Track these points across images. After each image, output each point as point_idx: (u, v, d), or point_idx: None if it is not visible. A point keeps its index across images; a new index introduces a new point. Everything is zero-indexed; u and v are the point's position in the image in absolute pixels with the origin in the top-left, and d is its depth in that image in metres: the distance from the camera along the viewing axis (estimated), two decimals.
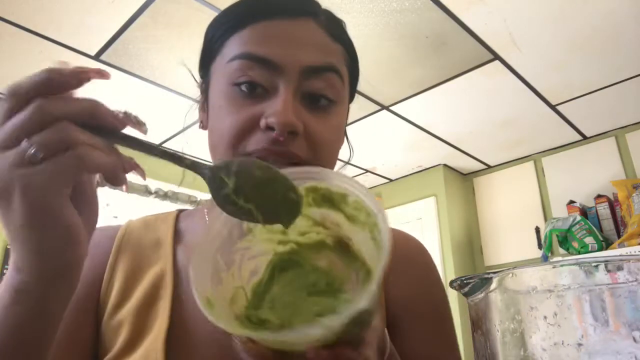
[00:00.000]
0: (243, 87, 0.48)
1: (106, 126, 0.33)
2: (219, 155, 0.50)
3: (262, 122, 0.47)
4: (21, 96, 0.30)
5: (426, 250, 0.66)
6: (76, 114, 0.31)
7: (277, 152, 0.47)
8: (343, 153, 0.65)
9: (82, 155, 0.29)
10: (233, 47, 0.50)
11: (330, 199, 0.37)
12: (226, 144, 0.48)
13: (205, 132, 0.55)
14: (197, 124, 0.59)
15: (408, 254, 0.63)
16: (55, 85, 0.31)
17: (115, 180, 0.32)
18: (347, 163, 0.69)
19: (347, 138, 0.64)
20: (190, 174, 0.66)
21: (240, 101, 0.48)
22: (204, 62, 0.56)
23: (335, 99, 0.52)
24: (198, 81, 0.59)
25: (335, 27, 0.54)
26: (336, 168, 0.60)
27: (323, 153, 0.51)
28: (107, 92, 2.44)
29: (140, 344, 0.47)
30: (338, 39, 0.54)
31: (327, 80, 0.50)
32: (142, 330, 0.48)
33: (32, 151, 0.28)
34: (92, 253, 0.52)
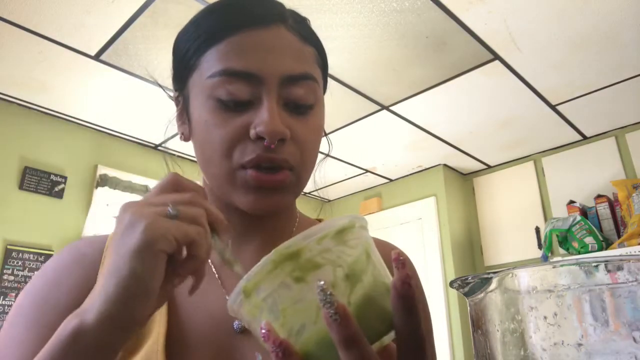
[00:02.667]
0: (226, 102, 0.50)
1: (223, 234, 0.41)
2: (214, 165, 0.52)
3: (252, 133, 0.49)
4: (181, 187, 0.40)
5: (411, 264, 0.65)
6: (211, 214, 0.39)
7: (271, 159, 0.49)
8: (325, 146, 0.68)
9: (197, 234, 0.36)
10: (212, 62, 0.51)
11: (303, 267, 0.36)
12: (220, 156, 0.50)
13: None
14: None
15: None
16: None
17: (189, 270, 0.38)
18: (328, 155, 0.71)
19: (324, 132, 0.65)
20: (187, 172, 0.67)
21: (225, 114, 0.50)
22: (180, 76, 0.56)
23: (314, 102, 0.54)
24: (172, 95, 0.60)
25: (303, 29, 0.56)
26: (318, 161, 0.62)
27: (309, 155, 0.54)
28: (107, 92, 2.44)
29: (139, 348, 0.48)
30: (308, 40, 0.55)
31: (306, 87, 0.52)
32: (139, 335, 0.49)
33: (172, 210, 0.36)
34: (78, 266, 0.53)
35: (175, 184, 0.39)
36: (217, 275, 0.56)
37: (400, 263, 0.32)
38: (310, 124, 0.53)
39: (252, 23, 0.51)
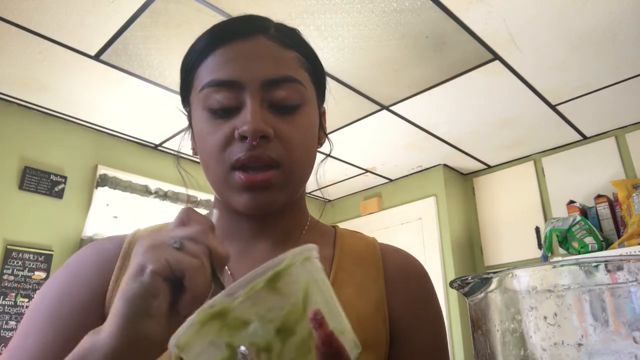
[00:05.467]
0: (216, 110, 0.54)
1: (220, 268, 0.40)
2: (211, 171, 0.56)
3: (236, 133, 0.52)
4: (192, 223, 0.40)
5: (426, 273, 0.66)
6: (214, 251, 0.39)
7: (255, 156, 0.52)
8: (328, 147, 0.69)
9: (190, 265, 0.36)
10: (202, 77, 0.56)
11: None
12: (214, 160, 0.55)
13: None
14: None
15: (409, 272, 0.64)
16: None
17: (187, 305, 0.37)
18: (328, 155, 0.74)
19: (327, 136, 0.68)
20: (188, 176, 0.69)
21: (216, 121, 0.54)
22: (184, 95, 0.61)
23: (299, 102, 0.56)
24: (185, 113, 0.65)
25: (286, 37, 0.58)
26: (317, 162, 0.65)
27: (297, 152, 0.55)
28: (107, 92, 2.44)
29: None
30: (290, 46, 0.58)
31: (288, 89, 0.55)
32: None
33: (174, 244, 0.37)
34: (99, 259, 0.57)
35: (185, 219, 0.41)
36: (230, 273, 0.58)
37: (317, 323, 0.30)
38: (297, 123, 0.56)
39: (234, 37, 0.56)
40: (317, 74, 0.62)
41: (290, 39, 0.59)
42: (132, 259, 0.37)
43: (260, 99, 0.54)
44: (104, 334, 0.35)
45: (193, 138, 0.61)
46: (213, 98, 0.54)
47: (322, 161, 0.70)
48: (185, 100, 0.61)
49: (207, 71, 0.55)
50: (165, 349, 0.37)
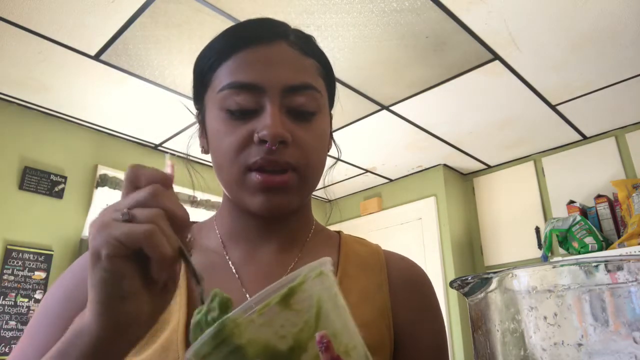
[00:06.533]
0: (234, 111, 0.55)
1: (181, 232, 0.38)
2: (225, 171, 0.56)
3: (256, 137, 0.53)
4: (139, 183, 0.38)
5: (429, 281, 0.67)
6: (171, 212, 0.36)
7: (272, 160, 0.53)
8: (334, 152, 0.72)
9: (143, 233, 0.34)
10: (221, 77, 0.56)
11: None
12: (229, 161, 0.55)
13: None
14: (197, 126, 0.64)
15: (413, 279, 0.65)
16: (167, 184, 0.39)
17: (159, 271, 0.36)
18: (338, 159, 0.76)
19: (333, 140, 0.70)
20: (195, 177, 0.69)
21: (234, 123, 0.55)
22: (198, 94, 0.62)
23: (316, 110, 0.57)
24: (194, 112, 0.65)
25: (305, 44, 0.60)
26: (327, 166, 0.66)
27: (312, 158, 0.57)
28: (107, 92, 2.44)
29: (158, 336, 0.51)
30: (309, 53, 0.60)
31: (307, 96, 0.56)
32: (158, 324, 0.51)
33: (123, 217, 0.35)
34: None
35: (134, 181, 0.38)
36: (237, 276, 0.58)
37: (323, 347, 0.31)
38: (313, 130, 0.57)
39: (257, 41, 0.56)
40: (330, 81, 0.64)
41: (308, 46, 0.60)
42: (89, 243, 0.36)
43: (280, 104, 0.54)
44: (87, 319, 0.35)
45: (204, 137, 0.61)
46: (232, 99, 0.54)
47: (331, 166, 0.71)
48: (199, 99, 0.62)
49: (228, 72, 0.55)
50: (155, 320, 0.38)
